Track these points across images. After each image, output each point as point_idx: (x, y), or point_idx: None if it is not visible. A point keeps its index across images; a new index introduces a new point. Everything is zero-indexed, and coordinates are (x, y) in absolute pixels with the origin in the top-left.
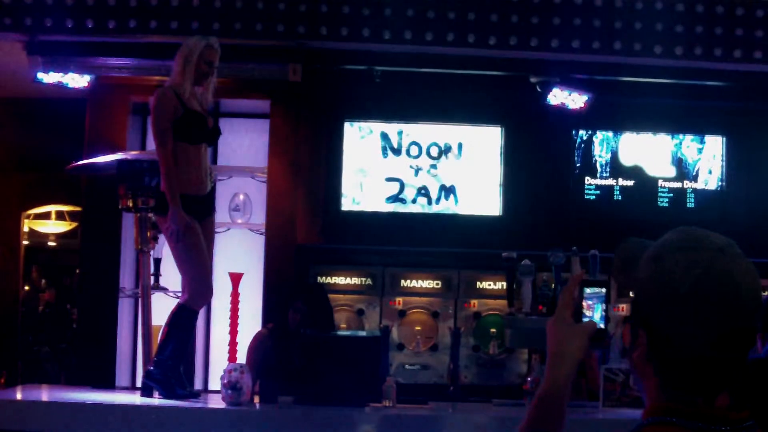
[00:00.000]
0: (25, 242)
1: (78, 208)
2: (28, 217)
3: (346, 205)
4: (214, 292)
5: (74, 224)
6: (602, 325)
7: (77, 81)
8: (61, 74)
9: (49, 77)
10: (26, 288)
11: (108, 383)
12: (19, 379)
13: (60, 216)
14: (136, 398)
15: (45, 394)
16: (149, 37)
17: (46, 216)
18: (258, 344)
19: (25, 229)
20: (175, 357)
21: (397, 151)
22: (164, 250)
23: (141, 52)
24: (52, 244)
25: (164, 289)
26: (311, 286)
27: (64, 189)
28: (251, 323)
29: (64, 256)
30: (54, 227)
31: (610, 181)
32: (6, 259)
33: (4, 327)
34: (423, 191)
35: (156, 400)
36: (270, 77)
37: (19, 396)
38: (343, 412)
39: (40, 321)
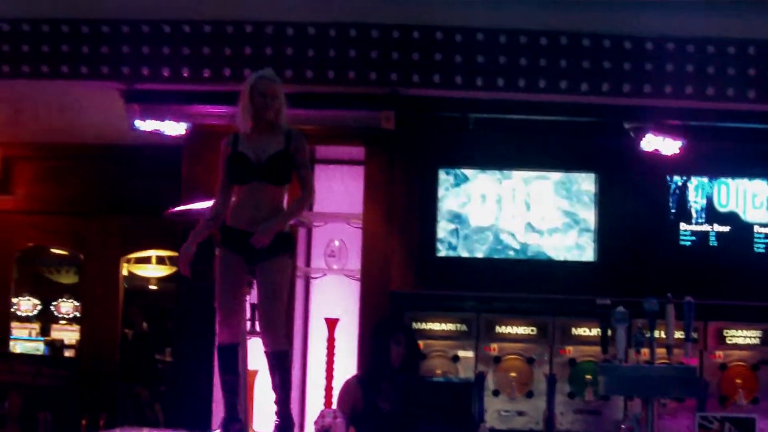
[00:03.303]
0: (125, 286)
1: (175, 253)
2: (128, 261)
3: (442, 251)
4: (241, 334)
5: (174, 269)
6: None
7: (174, 128)
8: (158, 122)
9: (146, 125)
10: (127, 330)
11: (205, 426)
12: (118, 421)
13: (160, 260)
14: None
15: None
16: (243, 85)
17: (146, 260)
18: (347, 391)
19: (125, 273)
20: (224, 394)
21: (491, 198)
22: None
23: (236, 100)
24: (152, 287)
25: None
26: (405, 325)
27: (162, 234)
28: (347, 368)
29: (165, 300)
30: (154, 271)
31: (706, 227)
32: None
33: (105, 369)
34: (518, 237)
35: None
36: (364, 124)
37: None
38: None
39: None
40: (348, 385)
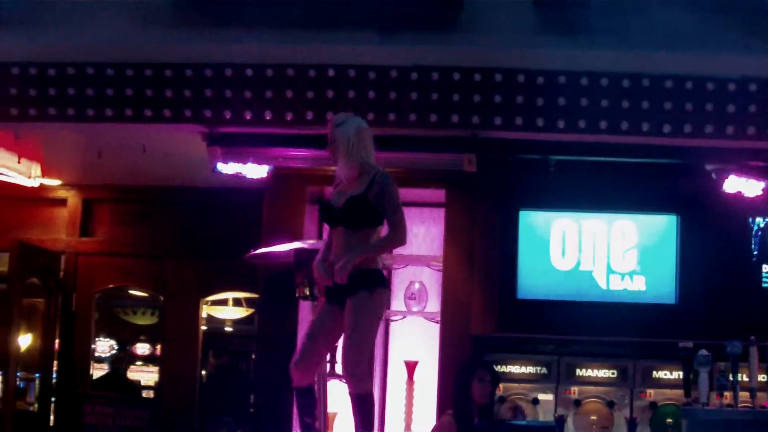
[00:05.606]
0: (203, 327)
1: (254, 295)
2: (205, 303)
3: (522, 293)
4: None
5: (250, 310)
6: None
7: (256, 171)
8: (239, 164)
9: (228, 168)
10: (203, 372)
11: None
12: None
13: (237, 302)
14: None
15: None
16: (326, 128)
17: (223, 302)
18: (445, 429)
19: (203, 314)
20: None
21: (573, 240)
22: None
23: (318, 143)
24: (228, 329)
25: (340, 377)
26: (486, 362)
27: (241, 276)
28: (426, 411)
29: (240, 342)
30: (231, 313)
31: None
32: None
33: (184, 410)
34: (599, 280)
35: None
36: (446, 167)
37: None
38: None
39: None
40: (445, 424)
